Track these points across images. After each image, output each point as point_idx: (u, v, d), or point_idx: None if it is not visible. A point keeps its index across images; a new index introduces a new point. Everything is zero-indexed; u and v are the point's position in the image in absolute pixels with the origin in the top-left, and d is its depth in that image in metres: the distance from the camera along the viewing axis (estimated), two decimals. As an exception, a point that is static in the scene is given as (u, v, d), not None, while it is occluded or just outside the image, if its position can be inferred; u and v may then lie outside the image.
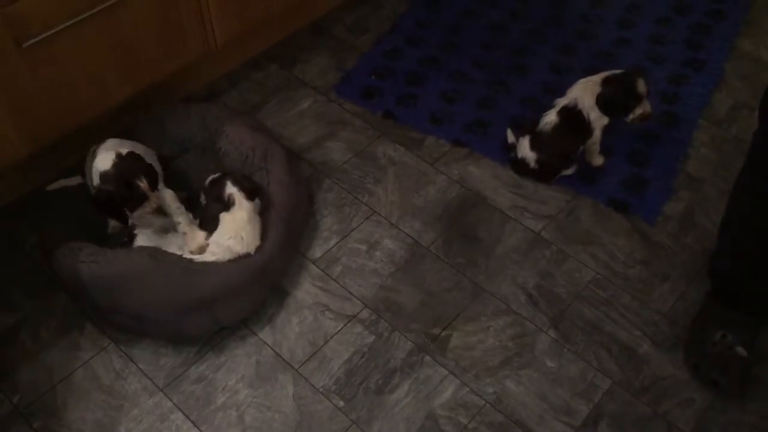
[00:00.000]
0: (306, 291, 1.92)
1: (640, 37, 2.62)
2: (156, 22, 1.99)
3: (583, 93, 2.05)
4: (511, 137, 2.21)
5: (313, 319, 1.87)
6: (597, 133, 2.08)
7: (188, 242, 1.79)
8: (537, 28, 2.64)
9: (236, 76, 2.47)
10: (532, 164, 2.11)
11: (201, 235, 1.79)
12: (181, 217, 1.82)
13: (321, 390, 1.74)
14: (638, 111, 2.01)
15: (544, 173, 2.13)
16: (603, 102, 2.02)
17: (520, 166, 2.15)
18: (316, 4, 2.61)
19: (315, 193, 2.14)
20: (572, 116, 2.04)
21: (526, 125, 2.15)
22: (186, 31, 2.09)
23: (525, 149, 2.11)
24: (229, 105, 2.36)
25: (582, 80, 2.08)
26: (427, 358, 1.80)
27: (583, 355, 1.80)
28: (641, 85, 1.99)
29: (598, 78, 2.05)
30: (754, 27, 2.67)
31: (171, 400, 1.73)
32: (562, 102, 2.08)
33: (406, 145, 2.27)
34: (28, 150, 1.90)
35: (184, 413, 1.71)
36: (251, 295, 1.79)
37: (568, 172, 2.16)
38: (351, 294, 1.92)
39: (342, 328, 1.85)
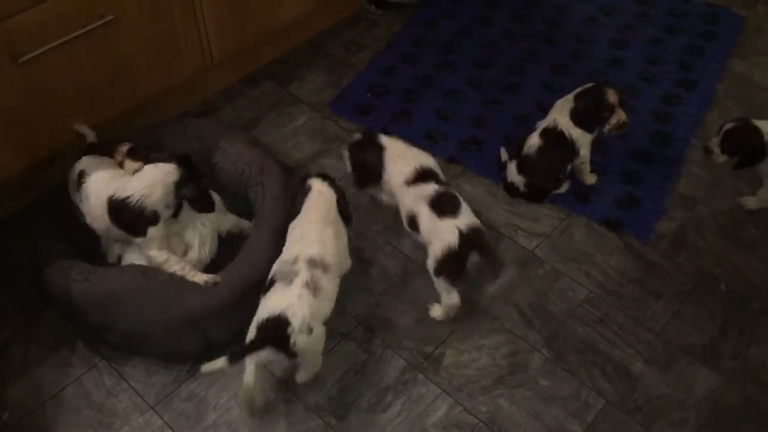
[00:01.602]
0: (299, 308, 1.91)
1: (634, 57, 2.65)
2: (152, 39, 2.01)
3: (561, 113, 2.07)
4: (504, 155, 2.22)
5: (306, 336, 1.86)
6: (584, 152, 2.09)
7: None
8: (531, 48, 2.67)
9: (232, 92, 2.48)
10: (522, 188, 2.12)
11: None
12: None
13: (313, 408, 1.73)
14: (613, 121, 2.01)
15: (534, 196, 2.14)
16: (576, 115, 2.03)
17: (510, 190, 2.16)
18: (313, 22, 2.63)
19: (309, 209, 2.14)
20: (554, 137, 2.05)
21: (513, 149, 2.16)
22: (182, 47, 2.10)
23: (513, 174, 2.13)
24: (225, 121, 2.36)
25: (559, 101, 2.10)
26: (420, 376, 1.79)
27: (576, 374, 1.80)
28: (611, 95, 2.00)
29: (571, 95, 2.08)
30: (745, 48, 2.71)
31: (162, 417, 1.71)
32: (543, 124, 2.10)
33: (401, 162, 2.27)
34: (21, 165, 1.90)
35: (174, 431, 1.69)
36: (242, 311, 1.78)
37: (561, 190, 2.17)
38: (345, 311, 1.91)
39: (335, 345, 1.84)
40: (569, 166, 2.12)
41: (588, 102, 2.02)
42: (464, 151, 2.31)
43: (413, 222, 1.85)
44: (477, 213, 2.12)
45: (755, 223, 2.13)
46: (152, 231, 1.73)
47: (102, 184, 1.75)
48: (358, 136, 1.98)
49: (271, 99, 2.44)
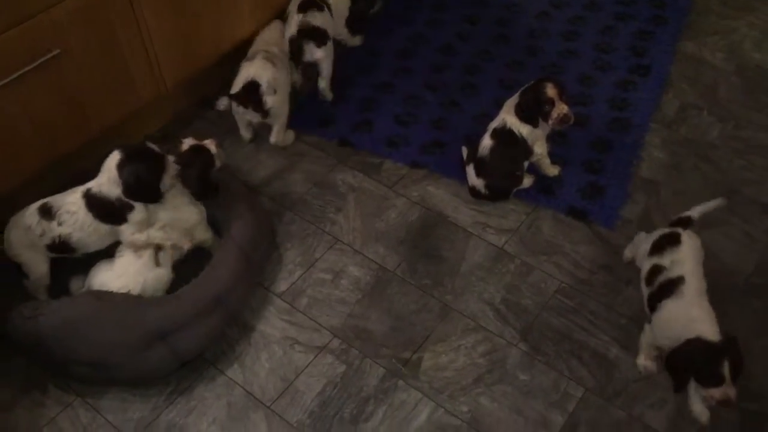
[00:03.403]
0: (273, 326, 1.90)
1: (586, 48, 2.69)
2: (102, 70, 1.99)
3: (508, 111, 2.08)
4: (464, 150, 2.23)
5: (282, 353, 1.85)
6: (538, 149, 2.11)
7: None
8: (485, 47, 2.69)
9: (190, 116, 2.46)
10: (483, 191, 2.13)
11: None
12: None
13: (295, 425, 1.72)
14: (554, 114, 2.02)
15: (496, 196, 2.16)
16: (520, 112, 2.05)
17: (473, 193, 2.18)
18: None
19: (276, 226, 2.13)
20: (505, 136, 2.07)
21: (469, 153, 2.17)
22: (134, 76, 2.09)
23: (472, 177, 2.14)
24: (186, 145, 2.34)
25: (509, 100, 2.12)
26: (400, 382, 1.79)
27: (554, 365, 1.80)
28: (550, 89, 2.01)
29: (517, 94, 2.10)
30: (695, 29, 2.76)
31: (141, 450, 1.69)
32: (493, 124, 2.12)
33: (365, 170, 2.28)
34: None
35: (156, 463, 1.67)
36: (208, 324, 1.77)
37: (525, 185, 2.18)
38: (319, 325, 1.90)
39: (312, 360, 1.83)
40: (526, 163, 2.14)
41: (528, 98, 2.04)
42: (426, 155, 2.32)
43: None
44: (444, 214, 2.16)
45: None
46: (132, 216, 1.79)
47: (75, 194, 1.81)
48: None
49: (229, 120, 2.42)
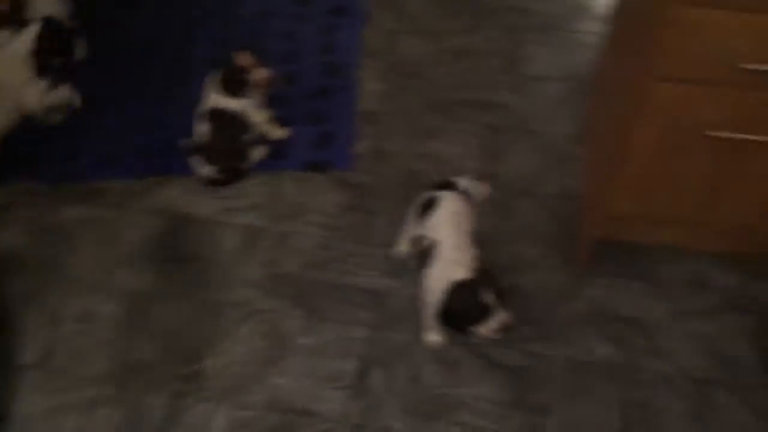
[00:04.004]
0: (32, 402, 1.69)
1: (281, 2, 2.66)
2: None
3: (214, 91, 2.02)
4: (186, 145, 2.12)
5: (51, 428, 1.65)
6: (256, 119, 2.08)
7: None
8: (185, 36, 2.56)
9: None
10: (217, 176, 2.06)
11: None
12: None
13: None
14: (254, 80, 2.02)
15: (231, 178, 2.09)
16: (223, 88, 2.00)
17: (208, 182, 2.09)
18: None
19: (6, 294, 1.88)
20: (218, 116, 2.02)
21: (190, 144, 2.08)
22: None
23: (202, 167, 2.06)
24: None
25: (210, 81, 2.05)
26: (189, 399, 1.69)
27: (331, 317, 1.81)
28: (242, 59, 2.01)
29: (215, 72, 2.03)
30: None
31: None
32: (204, 108, 2.05)
33: (89, 199, 2.09)
34: None
35: None
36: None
37: (258, 156, 2.14)
38: (83, 378, 1.72)
39: (87, 418, 1.66)
40: (248, 135, 2.09)
41: (225, 73, 2.01)
42: (148, 160, 2.17)
43: None
44: (186, 214, 2.05)
45: (433, 113, 2.28)
46: None
47: None
48: None
49: None
